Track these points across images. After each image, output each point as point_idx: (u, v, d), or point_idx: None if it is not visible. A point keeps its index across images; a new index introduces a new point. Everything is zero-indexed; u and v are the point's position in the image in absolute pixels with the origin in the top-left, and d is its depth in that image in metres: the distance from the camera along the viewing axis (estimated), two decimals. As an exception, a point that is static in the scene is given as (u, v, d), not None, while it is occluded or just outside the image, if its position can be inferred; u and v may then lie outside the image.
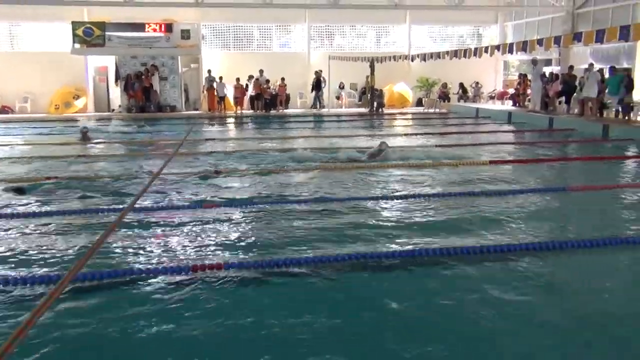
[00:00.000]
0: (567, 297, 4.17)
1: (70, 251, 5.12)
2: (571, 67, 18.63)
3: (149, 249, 5.23)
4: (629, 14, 17.79)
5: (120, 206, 6.64)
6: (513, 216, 6.29)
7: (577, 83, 17.64)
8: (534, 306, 3.98)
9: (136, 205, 6.09)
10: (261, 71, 22.78)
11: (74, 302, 4.00)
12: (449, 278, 4.47)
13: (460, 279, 4.45)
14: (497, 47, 16.67)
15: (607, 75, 16.60)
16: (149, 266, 4.72)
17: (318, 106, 23.57)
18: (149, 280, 4.41)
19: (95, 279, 4.38)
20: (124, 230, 5.75)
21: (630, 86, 15.21)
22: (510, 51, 15.93)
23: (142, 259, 4.96)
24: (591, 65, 17.13)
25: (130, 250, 5.18)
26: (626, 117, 15.61)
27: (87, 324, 3.65)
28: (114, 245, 5.26)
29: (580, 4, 20.54)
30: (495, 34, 25.95)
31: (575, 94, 17.59)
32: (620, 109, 15.92)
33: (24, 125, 17.97)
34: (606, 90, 16.31)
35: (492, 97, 24.49)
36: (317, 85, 23.45)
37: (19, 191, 7.60)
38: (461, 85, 24.59)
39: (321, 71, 23.32)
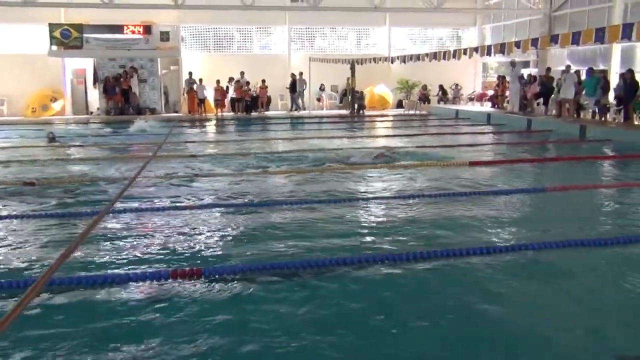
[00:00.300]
0: (543, 297, 4.18)
1: (43, 256, 5.02)
2: (548, 69, 18.86)
3: (125, 253, 5.14)
4: (605, 16, 18.05)
5: (96, 209, 6.53)
6: (493, 217, 6.32)
7: (554, 85, 17.86)
8: (510, 306, 4.00)
9: (113, 209, 6.00)
10: (242, 73, 22.69)
11: (45, 308, 3.91)
12: (427, 279, 4.47)
13: (439, 279, 4.46)
14: (476, 49, 16.82)
15: (583, 77, 16.84)
16: (126, 272, 4.63)
17: (295, 108, 23.53)
18: (126, 287, 4.33)
19: (69, 284, 4.29)
20: (100, 234, 5.65)
21: (606, 88, 15.44)
22: (489, 53, 16.08)
23: (118, 264, 4.86)
24: (568, 67, 17.35)
25: (106, 255, 5.09)
26: (602, 118, 15.84)
27: (59, 331, 3.57)
28: (89, 250, 5.16)
29: (557, 6, 20.81)
30: (474, 37, 26.18)
31: (552, 96, 17.80)
32: (596, 110, 16.15)
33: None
34: (583, 92, 16.55)
35: (471, 99, 24.68)
36: (293, 87, 23.40)
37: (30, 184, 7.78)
38: (441, 87, 24.75)
39: (301, 73, 23.29)
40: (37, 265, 4.80)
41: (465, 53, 16.60)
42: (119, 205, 6.64)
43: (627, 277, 4.49)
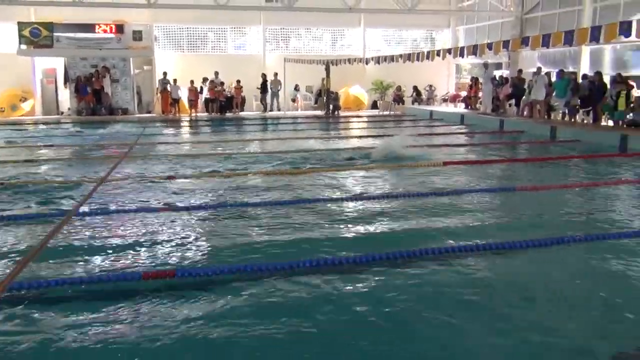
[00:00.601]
0: (514, 295, 4.23)
1: (6, 259, 4.90)
2: (520, 71, 19.14)
3: (94, 256, 5.04)
4: (575, 19, 18.40)
5: (62, 212, 6.40)
6: (464, 216, 6.39)
7: (525, 86, 18.13)
8: (480, 306, 4.03)
9: (81, 210, 5.89)
10: (216, 73, 22.54)
11: (8, 313, 3.81)
12: (398, 279, 4.48)
13: (410, 279, 4.48)
14: (449, 51, 17.00)
15: (554, 79, 17.14)
16: (95, 274, 4.55)
17: (265, 108, 23.47)
18: (95, 289, 4.25)
19: (34, 288, 4.19)
20: (67, 237, 5.54)
21: (576, 89, 15.73)
22: (462, 55, 16.27)
23: (86, 266, 4.78)
24: (539, 69, 17.65)
25: (74, 257, 4.98)
26: (572, 119, 16.14)
27: (24, 337, 3.49)
28: (56, 252, 5.05)
29: (528, 9, 21.14)
30: (448, 38, 26.44)
31: (524, 97, 18.08)
32: (566, 111, 16.45)
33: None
34: (553, 94, 16.84)
35: (445, 100, 24.93)
36: (264, 88, 23.33)
37: None
38: (415, 88, 24.95)
39: (276, 74, 23.23)
40: (3, 266, 4.70)
41: (438, 54, 16.77)
42: (86, 207, 6.54)
43: (595, 274, 4.58)
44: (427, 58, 17.26)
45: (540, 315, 3.85)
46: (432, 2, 23.42)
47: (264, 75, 23.10)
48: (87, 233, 5.74)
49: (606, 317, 3.88)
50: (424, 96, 25.10)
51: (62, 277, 4.44)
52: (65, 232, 5.56)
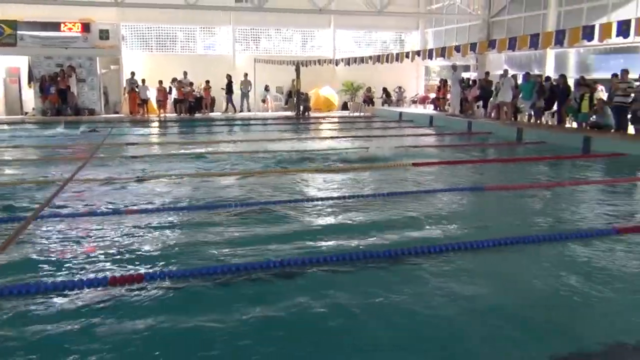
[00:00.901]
0: (477, 294, 4.29)
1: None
2: (487, 73, 19.47)
3: (58, 260, 4.91)
4: (540, 23, 18.80)
5: (24, 215, 6.24)
6: (434, 216, 6.45)
7: (493, 88, 18.44)
8: (444, 304, 4.09)
9: (44, 213, 5.74)
10: (185, 73, 22.31)
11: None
12: (364, 279, 4.51)
13: (377, 279, 4.50)
14: (418, 53, 17.19)
15: (520, 81, 17.47)
16: (59, 279, 4.44)
17: (228, 109, 23.34)
18: (59, 295, 4.14)
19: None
20: (29, 240, 5.40)
21: (541, 92, 16.06)
22: (430, 57, 16.46)
23: (49, 272, 4.64)
24: (506, 71, 17.97)
25: (35, 263, 4.84)
26: (538, 121, 16.47)
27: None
28: (16, 256, 4.91)
29: (495, 12, 21.50)
30: (417, 40, 26.72)
31: (491, 99, 18.38)
32: (532, 113, 16.78)
33: None
34: (520, 96, 17.17)
35: (414, 101, 25.17)
36: (229, 88, 23.21)
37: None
38: (385, 90, 25.14)
39: (246, 74, 23.14)
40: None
41: (407, 56, 16.94)
42: (50, 210, 6.39)
43: (560, 272, 4.68)
44: (397, 60, 17.42)
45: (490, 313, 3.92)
46: (401, 4, 23.61)
47: (229, 76, 22.94)
48: (50, 237, 5.59)
49: (553, 316, 3.94)
50: (393, 97, 25.31)
51: (23, 283, 4.31)
52: (26, 236, 5.42)
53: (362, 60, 19.03)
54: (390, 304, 4.05)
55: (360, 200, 7.31)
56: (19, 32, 20.64)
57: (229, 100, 23.27)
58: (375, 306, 4.01)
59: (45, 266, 4.76)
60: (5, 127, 18.20)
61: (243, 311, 3.88)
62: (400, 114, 21.60)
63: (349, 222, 6.26)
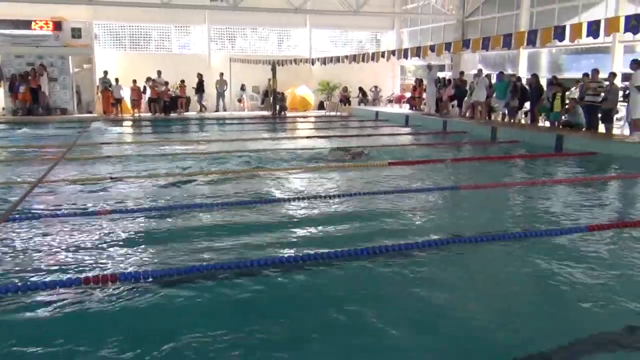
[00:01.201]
0: (453, 291, 4.33)
1: None
2: (462, 73, 19.67)
3: (29, 262, 4.82)
4: (513, 23, 19.06)
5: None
6: (410, 214, 6.50)
7: (467, 88, 18.64)
8: (424, 303, 4.12)
9: (14, 214, 5.63)
10: (159, 72, 22.08)
11: None
12: (345, 278, 4.51)
13: (357, 278, 4.52)
14: (393, 52, 17.29)
15: (494, 81, 17.69)
16: (31, 280, 4.35)
17: (201, 109, 23.21)
18: (31, 296, 4.07)
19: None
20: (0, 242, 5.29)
21: (515, 91, 16.28)
22: (405, 56, 16.57)
23: (20, 273, 4.55)
24: (480, 71, 18.18)
25: (6, 264, 4.74)
26: (512, 120, 16.70)
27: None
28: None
29: (469, 13, 21.73)
30: (393, 40, 26.87)
31: (466, 98, 18.58)
32: (506, 112, 17.01)
33: None
34: (494, 95, 17.38)
35: (390, 101, 25.32)
36: (200, 87, 23.04)
37: None
38: (361, 89, 25.23)
39: (222, 74, 23.02)
40: None
41: (383, 56, 17.03)
42: (20, 211, 6.26)
43: (533, 269, 4.75)
44: (373, 59, 17.50)
45: (459, 312, 3.96)
46: (377, 4, 23.71)
47: (199, 75, 22.78)
48: (21, 238, 5.49)
49: (524, 315, 3.98)
50: (369, 97, 25.42)
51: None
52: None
53: (338, 59, 19.08)
54: (363, 301, 4.07)
55: (336, 200, 7.31)
56: (-12, 30, 20.22)
57: (199, 99, 23.12)
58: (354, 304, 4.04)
59: (17, 267, 4.67)
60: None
61: (218, 312, 3.86)
62: (377, 113, 21.69)
63: (324, 221, 6.25)
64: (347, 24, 25.59)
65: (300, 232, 5.82)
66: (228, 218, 6.33)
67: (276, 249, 5.19)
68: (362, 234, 5.71)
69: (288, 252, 5.08)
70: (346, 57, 19.08)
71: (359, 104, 24.91)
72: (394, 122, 19.43)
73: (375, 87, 25.61)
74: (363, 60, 17.83)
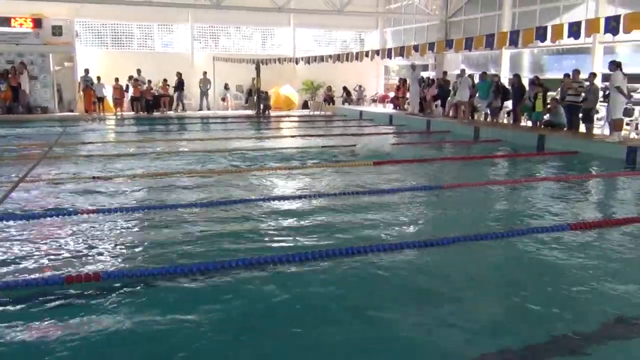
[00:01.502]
0: (437, 289, 4.36)
1: None
2: (445, 73, 19.78)
3: (11, 261, 4.76)
4: (495, 23, 19.22)
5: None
6: (394, 213, 6.52)
7: (451, 87, 18.75)
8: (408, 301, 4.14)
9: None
10: (138, 71, 21.87)
11: None
12: (330, 278, 4.52)
13: (336, 277, 4.52)
14: (377, 52, 17.33)
15: (477, 81, 17.82)
16: (12, 279, 4.29)
17: (178, 108, 23.07)
18: (13, 295, 4.01)
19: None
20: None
21: (497, 91, 16.42)
22: (389, 56, 16.62)
23: (3, 272, 4.49)
24: (463, 71, 18.29)
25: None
26: (494, 120, 16.84)
27: None
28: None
29: (452, 13, 21.86)
30: (376, 40, 26.93)
31: (449, 98, 18.68)
32: (489, 112, 17.15)
33: None
34: (477, 95, 17.50)
35: (374, 100, 25.38)
36: (179, 86, 22.90)
37: None
38: (345, 89, 25.26)
39: (205, 73, 22.90)
40: None
41: (367, 55, 17.07)
42: (1, 210, 6.17)
43: (512, 268, 4.80)
44: (356, 59, 17.53)
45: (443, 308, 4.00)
46: (360, 4, 23.74)
47: (179, 74, 22.64)
48: (2, 237, 5.41)
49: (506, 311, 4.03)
50: (353, 96, 25.46)
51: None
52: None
53: (322, 59, 19.08)
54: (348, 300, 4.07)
55: (320, 199, 7.31)
56: (-34, 27, 19.88)
57: (179, 98, 22.99)
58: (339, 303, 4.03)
59: (-2, 267, 4.61)
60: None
61: (202, 311, 3.84)
62: (361, 112, 21.74)
63: (308, 220, 6.25)
64: (331, 24, 25.60)
65: (282, 232, 5.80)
66: (212, 217, 6.29)
67: (259, 249, 5.18)
68: (343, 234, 5.71)
69: (267, 253, 5.04)
70: (330, 56, 19.10)
71: (343, 104, 24.94)
72: (378, 122, 19.49)
73: (359, 86, 25.66)
74: (347, 60, 17.86)
